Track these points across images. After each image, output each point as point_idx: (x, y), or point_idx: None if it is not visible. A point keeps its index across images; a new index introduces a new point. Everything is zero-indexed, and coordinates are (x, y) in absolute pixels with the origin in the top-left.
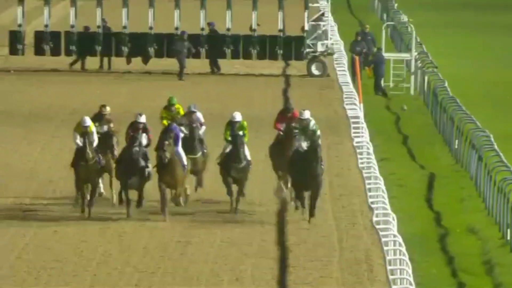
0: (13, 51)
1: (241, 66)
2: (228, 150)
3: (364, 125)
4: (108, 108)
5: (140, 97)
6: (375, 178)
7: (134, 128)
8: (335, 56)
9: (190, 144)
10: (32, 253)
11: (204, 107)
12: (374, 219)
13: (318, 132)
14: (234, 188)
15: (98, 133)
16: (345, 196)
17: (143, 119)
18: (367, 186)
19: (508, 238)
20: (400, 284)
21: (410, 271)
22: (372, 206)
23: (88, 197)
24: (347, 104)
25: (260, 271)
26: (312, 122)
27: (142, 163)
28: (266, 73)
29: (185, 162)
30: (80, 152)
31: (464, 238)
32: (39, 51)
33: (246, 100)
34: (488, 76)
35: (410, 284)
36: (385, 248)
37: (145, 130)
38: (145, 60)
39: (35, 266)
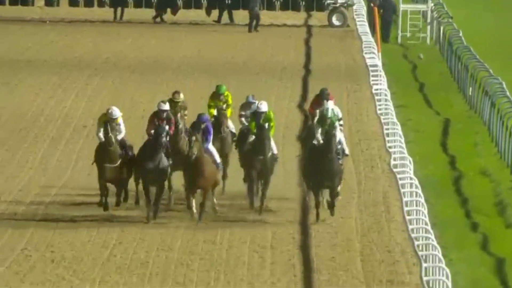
0: (49, 2)
1: (265, 17)
2: (251, 140)
3: (382, 73)
4: (181, 95)
5: (169, 47)
6: (392, 124)
7: (159, 118)
8: (354, 7)
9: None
10: (59, 206)
11: (230, 56)
12: (392, 162)
13: (338, 123)
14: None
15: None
16: (363, 141)
17: (166, 106)
18: (385, 131)
19: None
20: (416, 224)
21: (425, 212)
22: (390, 150)
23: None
24: (366, 53)
25: (281, 212)
26: (333, 110)
27: (166, 162)
28: (289, 23)
29: (218, 160)
30: (102, 147)
31: (477, 180)
32: (73, 3)
33: (270, 49)
34: (506, 29)
35: (426, 224)
36: (402, 190)
37: (168, 120)
38: (174, 11)
39: (64, 216)
